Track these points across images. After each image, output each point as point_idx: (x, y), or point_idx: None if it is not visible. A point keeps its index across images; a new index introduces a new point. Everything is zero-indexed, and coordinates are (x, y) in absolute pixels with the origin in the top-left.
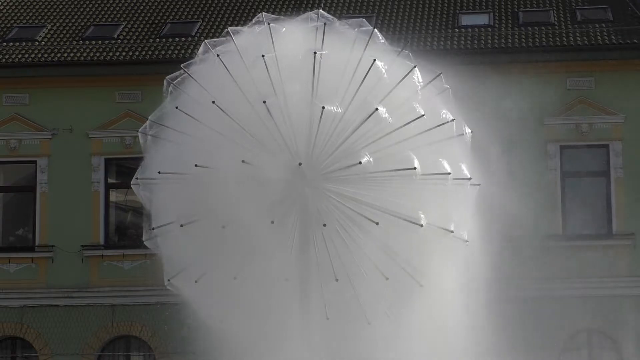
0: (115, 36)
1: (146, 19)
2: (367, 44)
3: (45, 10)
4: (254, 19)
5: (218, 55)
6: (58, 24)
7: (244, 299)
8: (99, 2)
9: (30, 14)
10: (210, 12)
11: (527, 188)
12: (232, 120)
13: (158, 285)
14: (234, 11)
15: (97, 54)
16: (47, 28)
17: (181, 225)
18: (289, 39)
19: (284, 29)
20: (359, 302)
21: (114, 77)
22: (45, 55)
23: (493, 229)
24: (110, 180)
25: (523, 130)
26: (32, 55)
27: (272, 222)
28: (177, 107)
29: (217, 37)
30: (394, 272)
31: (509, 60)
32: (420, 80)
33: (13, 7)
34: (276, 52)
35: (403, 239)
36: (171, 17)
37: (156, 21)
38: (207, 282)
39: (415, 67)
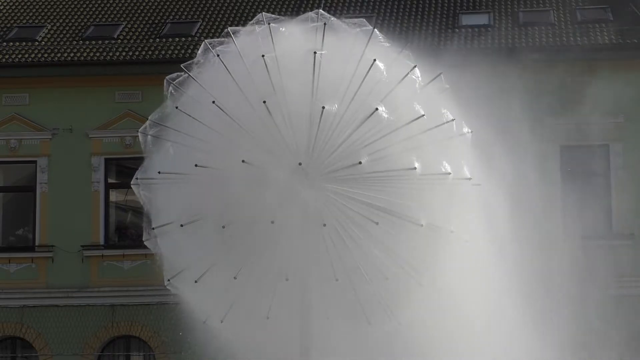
0: (115, 36)
1: (146, 19)
2: (367, 44)
3: (45, 10)
4: (254, 19)
5: (218, 55)
6: (58, 24)
7: (244, 299)
8: (99, 2)
9: (30, 14)
10: (210, 12)
11: (526, 188)
12: (232, 120)
13: (158, 285)
14: (234, 11)
15: (97, 54)
16: (47, 28)
17: (181, 225)
18: (289, 38)
19: (284, 28)
20: (359, 302)
21: (114, 77)
22: (45, 55)
23: (492, 228)
24: (110, 180)
25: (523, 130)
26: (32, 55)
27: (272, 222)
28: (177, 107)
29: (217, 37)
30: (394, 272)
31: (509, 61)
32: (420, 79)
33: (13, 7)
34: (276, 52)
35: (403, 239)
36: (171, 17)
37: (156, 21)
38: (207, 282)
39: (415, 66)
